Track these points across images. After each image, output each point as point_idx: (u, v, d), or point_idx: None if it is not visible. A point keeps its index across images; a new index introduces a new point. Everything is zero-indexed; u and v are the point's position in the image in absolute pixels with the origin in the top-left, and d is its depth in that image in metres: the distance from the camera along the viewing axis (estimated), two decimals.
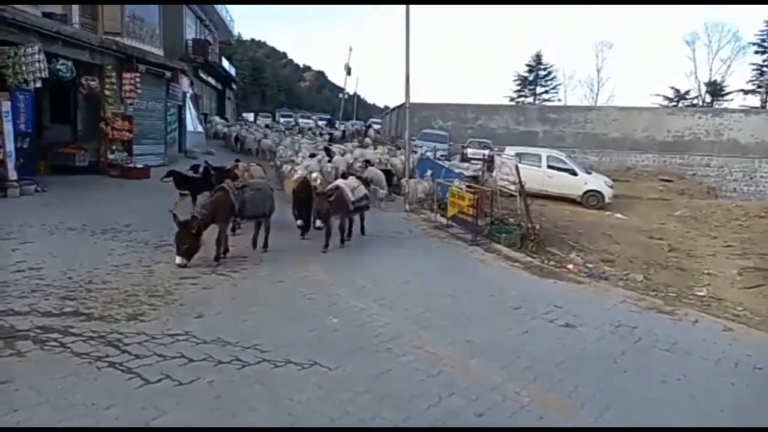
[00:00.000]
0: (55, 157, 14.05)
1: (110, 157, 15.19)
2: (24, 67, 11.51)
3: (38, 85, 11.94)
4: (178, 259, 6.79)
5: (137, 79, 16.25)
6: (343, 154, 16.76)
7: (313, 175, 10.51)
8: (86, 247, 7.64)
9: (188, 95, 23.54)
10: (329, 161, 14.52)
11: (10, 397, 3.65)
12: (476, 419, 3.92)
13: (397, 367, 4.64)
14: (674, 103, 48.72)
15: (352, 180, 9.51)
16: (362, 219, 9.60)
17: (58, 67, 12.98)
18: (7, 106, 11.01)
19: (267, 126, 35.08)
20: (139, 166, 15.52)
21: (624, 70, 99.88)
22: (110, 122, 15.26)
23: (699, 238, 13.12)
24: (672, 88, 52.25)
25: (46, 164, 13.55)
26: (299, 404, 3.90)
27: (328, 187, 8.86)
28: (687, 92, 51.76)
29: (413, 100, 17.28)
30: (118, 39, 16.09)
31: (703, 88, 51.61)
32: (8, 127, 11.02)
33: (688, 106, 45.30)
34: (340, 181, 9.17)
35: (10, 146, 11.09)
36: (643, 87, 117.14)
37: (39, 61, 11.63)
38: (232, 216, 7.73)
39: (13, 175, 10.98)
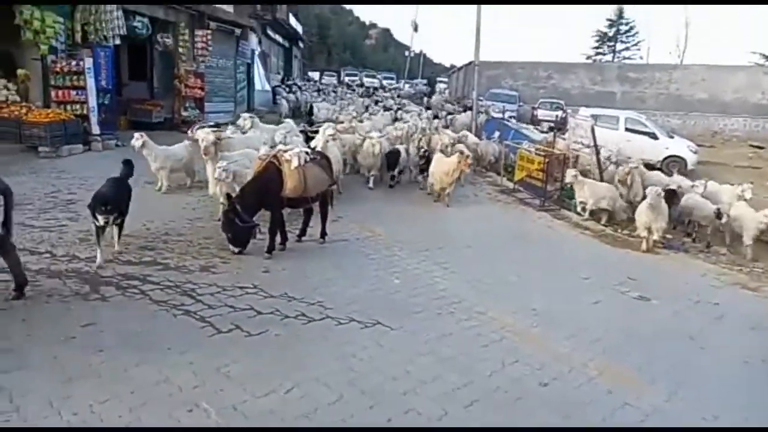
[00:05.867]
0: (134, 113, 14.67)
1: (183, 113, 15.70)
2: (104, 24, 12.01)
3: (117, 42, 12.45)
4: None
5: (209, 37, 16.60)
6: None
7: (290, 153, 6.07)
8: (163, 200, 8.02)
9: (256, 53, 23.77)
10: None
11: (95, 338, 3.92)
12: (540, 389, 3.82)
13: (459, 331, 4.60)
14: None
15: None
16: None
17: (134, 24, 13.46)
18: (89, 62, 11.53)
19: (318, 90, 29.77)
20: (210, 123, 15.94)
21: (716, 26, 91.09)
22: (183, 79, 15.74)
23: None
24: None
25: (125, 120, 14.21)
26: (361, 361, 3.95)
27: None
28: None
29: (481, 57, 16.67)
30: None
31: None
32: (91, 82, 11.57)
33: None
34: None
35: (92, 102, 11.67)
36: (739, 47, 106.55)
37: (117, 18, 12.14)
38: None
39: (95, 129, 11.61)
